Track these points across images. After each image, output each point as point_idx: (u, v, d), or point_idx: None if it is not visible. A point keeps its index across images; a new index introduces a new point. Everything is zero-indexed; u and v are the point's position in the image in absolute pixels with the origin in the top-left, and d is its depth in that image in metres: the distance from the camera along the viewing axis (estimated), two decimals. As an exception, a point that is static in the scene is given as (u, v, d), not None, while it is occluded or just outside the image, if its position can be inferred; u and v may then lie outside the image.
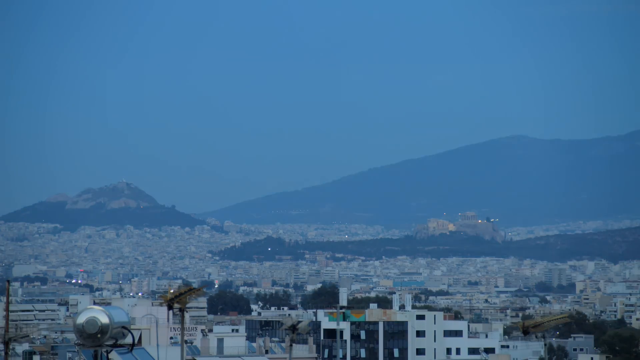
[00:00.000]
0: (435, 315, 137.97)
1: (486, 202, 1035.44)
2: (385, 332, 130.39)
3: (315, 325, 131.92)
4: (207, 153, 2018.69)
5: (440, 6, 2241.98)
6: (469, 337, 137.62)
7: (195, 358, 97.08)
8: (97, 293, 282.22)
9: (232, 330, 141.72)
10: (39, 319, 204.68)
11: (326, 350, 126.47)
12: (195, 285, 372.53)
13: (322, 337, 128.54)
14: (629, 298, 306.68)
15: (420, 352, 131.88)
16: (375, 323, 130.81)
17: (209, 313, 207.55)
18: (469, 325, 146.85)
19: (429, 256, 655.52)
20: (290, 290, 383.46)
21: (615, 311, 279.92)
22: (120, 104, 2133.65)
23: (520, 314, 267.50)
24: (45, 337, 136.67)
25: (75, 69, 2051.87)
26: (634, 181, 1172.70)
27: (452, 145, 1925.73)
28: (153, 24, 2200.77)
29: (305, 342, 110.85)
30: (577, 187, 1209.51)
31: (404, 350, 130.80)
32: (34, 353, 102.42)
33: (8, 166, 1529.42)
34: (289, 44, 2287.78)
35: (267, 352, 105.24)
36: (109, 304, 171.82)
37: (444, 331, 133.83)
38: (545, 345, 77.38)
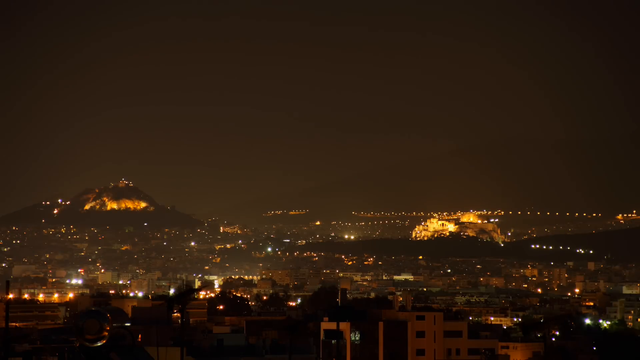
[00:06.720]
0: (435, 316, 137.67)
1: (486, 202, 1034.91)
2: (385, 332, 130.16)
3: (316, 325, 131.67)
4: (207, 153, 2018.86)
5: (439, 11, 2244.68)
6: (469, 337, 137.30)
7: (195, 358, 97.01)
8: (96, 293, 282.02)
9: (232, 330, 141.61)
10: (38, 319, 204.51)
11: (326, 351, 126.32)
12: (195, 286, 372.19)
13: (322, 337, 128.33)
14: (629, 298, 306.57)
15: (420, 352, 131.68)
16: (375, 323, 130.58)
17: (209, 313, 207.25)
18: (469, 326, 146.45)
19: (429, 256, 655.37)
20: (290, 290, 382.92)
21: (615, 311, 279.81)
22: (121, 103, 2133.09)
23: (520, 314, 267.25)
24: (45, 337, 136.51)
25: (75, 68, 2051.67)
26: (634, 181, 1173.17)
27: (453, 145, 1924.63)
28: (154, 21, 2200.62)
29: (305, 342, 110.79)
30: (577, 187, 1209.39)
31: (403, 351, 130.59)
32: (34, 353, 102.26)
33: (8, 166, 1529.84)
34: (292, 47, 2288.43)
35: (267, 352, 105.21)
36: (109, 304, 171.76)
37: (444, 331, 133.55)
38: (545, 345, 77.52)
